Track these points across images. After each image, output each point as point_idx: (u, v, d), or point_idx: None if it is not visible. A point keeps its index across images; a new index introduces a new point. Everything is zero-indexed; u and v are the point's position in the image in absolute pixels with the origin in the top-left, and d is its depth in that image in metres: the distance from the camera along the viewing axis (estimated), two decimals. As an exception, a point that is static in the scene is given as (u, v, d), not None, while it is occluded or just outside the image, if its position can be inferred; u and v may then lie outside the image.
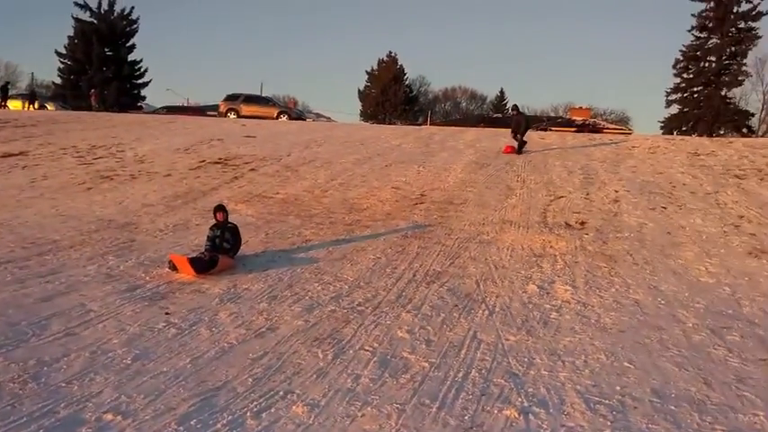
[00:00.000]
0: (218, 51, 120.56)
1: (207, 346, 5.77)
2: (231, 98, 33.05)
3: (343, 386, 5.04)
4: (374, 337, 6.10)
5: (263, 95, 40.21)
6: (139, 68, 44.64)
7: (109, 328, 6.13)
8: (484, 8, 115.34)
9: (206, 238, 8.58)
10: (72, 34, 43.17)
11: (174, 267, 7.98)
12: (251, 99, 33.54)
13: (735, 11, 43.02)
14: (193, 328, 6.21)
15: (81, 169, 15.09)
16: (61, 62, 43.37)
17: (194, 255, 8.30)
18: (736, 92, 45.40)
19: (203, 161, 15.97)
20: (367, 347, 5.83)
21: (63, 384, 4.88)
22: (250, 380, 5.11)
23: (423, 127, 30.38)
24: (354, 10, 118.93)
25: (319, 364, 5.47)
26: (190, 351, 5.65)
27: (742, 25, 43.23)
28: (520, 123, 17.29)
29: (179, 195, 12.57)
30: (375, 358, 5.59)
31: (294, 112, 34.37)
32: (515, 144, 17.07)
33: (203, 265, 7.96)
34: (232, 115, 31.37)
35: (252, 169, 15.04)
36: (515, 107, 18.15)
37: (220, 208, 8.84)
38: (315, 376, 5.22)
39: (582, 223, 10.49)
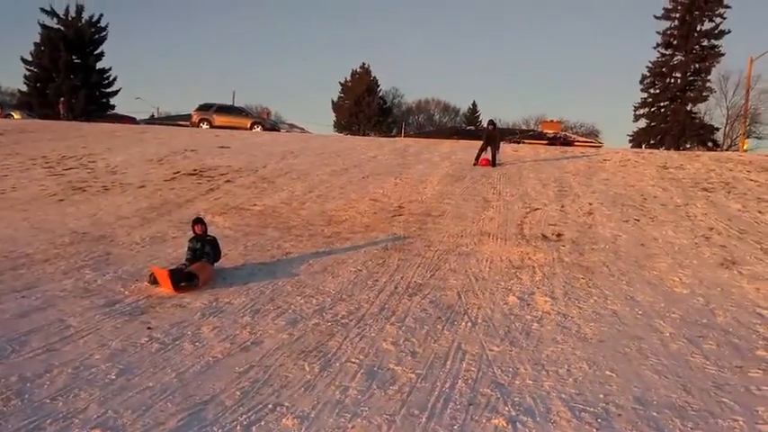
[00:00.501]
0: (191, 60, 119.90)
1: (192, 361, 5.72)
2: (204, 108, 32.81)
3: (331, 398, 5.05)
4: (360, 349, 6.12)
5: (236, 106, 39.98)
6: (108, 77, 44.09)
7: (90, 343, 6.04)
8: (456, 20, 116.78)
9: (186, 249, 8.51)
10: (38, 41, 42.44)
11: (154, 281, 7.88)
12: (224, 109, 33.34)
13: (698, 29, 44.64)
14: (177, 342, 6.15)
15: (51, 180, 14.84)
16: (27, 69, 42.54)
17: (174, 267, 8.20)
18: (701, 107, 47.05)
19: (177, 172, 15.83)
20: (353, 360, 5.85)
21: (47, 400, 4.80)
22: (238, 393, 5.08)
23: (397, 139, 30.58)
24: (327, 21, 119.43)
25: (306, 376, 5.46)
26: (174, 366, 5.60)
27: (705, 43, 44.87)
28: (495, 137, 17.55)
29: (154, 207, 12.44)
30: (362, 370, 5.61)
31: (268, 123, 34.22)
32: (488, 156, 17.31)
33: (185, 278, 7.87)
34: (205, 125, 31.15)
35: (228, 181, 14.96)
36: (491, 122, 18.44)
37: (198, 220, 8.78)
38: (303, 389, 5.21)
39: (558, 235, 10.67)
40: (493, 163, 17.13)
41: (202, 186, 14.34)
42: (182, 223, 11.02)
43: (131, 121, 42.99)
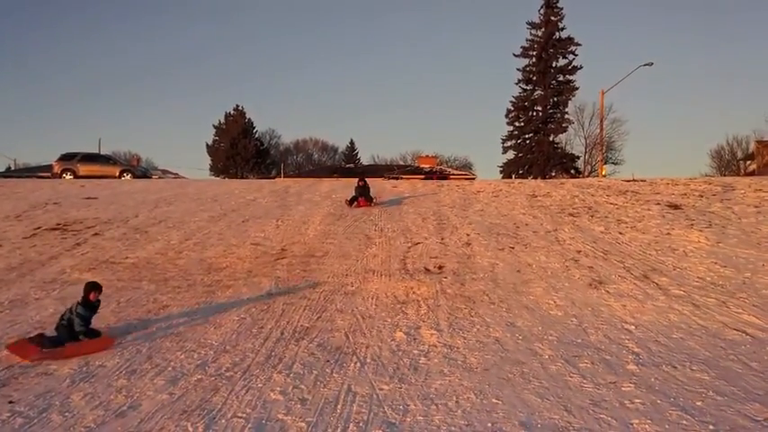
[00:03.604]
0: (51, 108, 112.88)
1: (59, 435, 5.22)
2: (66, 157, 30.84)
3: (218, 460, 4.78)
4: (246, 402, 5.87)
5: (103, 153, 37.97)
6: (-45, 128, 40.47)
7: (-63, 427, 5.35)
8: (328, 57, 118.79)
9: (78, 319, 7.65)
10: None
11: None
12: (89, 158, 31.53)
13: (554, 65, 48.67)
14: (43, 415, 5.59)
15: None
16: None
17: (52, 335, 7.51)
18: (562, 137, 50.98)
19: (39, 228, 14.67)
20: (240, 414, 5.59)
21: None
22: (113, 466, 4.68)
23: (276, 180, 30.32)
24: (196, 61, 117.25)
25: (190, 438, 5.15)
26: (39, 442, 5.08)
27: (561, 78, 48.95)
28: (367, 188, 17.68)
29: (13, 267, 11.39)
30: (249, 425, 5.37)
31: (138, 170, 32.73)
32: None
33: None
34: (68, 176, 29.26)
35: (96, 234, 14.05)
36: (362, 178, 18.73)
37: (96, 286, 7.96)
38: (186, 453, 4.90)
39: (440, 267, 10.95)
40: (370, 201, 17.18)
41: (67, 241, 13.36)
42: (45, 283, 10.18)
43: None
